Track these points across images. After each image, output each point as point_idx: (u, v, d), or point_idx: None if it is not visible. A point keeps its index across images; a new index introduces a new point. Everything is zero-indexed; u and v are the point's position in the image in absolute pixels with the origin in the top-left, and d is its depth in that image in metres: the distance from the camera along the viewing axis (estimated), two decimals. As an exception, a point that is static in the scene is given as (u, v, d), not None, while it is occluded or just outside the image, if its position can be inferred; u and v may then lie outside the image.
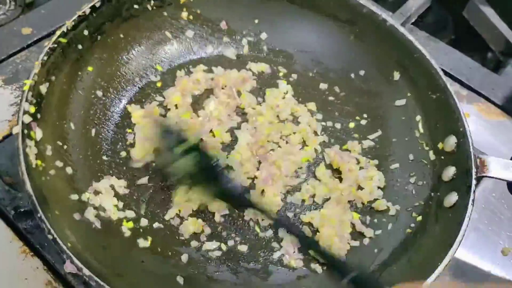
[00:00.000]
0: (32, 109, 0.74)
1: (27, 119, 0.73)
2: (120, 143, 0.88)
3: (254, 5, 1.03)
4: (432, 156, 0.86)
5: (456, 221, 0.73)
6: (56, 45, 0.81)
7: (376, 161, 0.92)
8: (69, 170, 0.79)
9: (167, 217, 0.82)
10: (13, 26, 1.00)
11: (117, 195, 0.82)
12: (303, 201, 0.87)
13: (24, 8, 1.05)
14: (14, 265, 0.73)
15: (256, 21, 1.04)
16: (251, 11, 1.03)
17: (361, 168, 0.90)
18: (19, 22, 1.02)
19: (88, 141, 0.85)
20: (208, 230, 0.81)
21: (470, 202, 0.74)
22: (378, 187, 0.88)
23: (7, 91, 0.91)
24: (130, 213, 0.80)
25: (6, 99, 0.91)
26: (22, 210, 0.78)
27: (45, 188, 0.70)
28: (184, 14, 1.00)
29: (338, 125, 0.97)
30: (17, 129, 0.71)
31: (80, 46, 0.86)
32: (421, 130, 0.91)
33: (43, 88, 0.78)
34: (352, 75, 1.01)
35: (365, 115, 0.98)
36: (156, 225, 0.80)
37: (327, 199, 0.87)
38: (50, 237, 0.64)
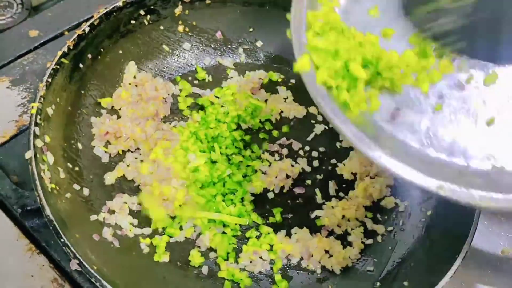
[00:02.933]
0: (47, 138, 0.75)
1: (39, 143, 0.72)
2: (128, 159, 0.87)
3: (248, 14, 1.03)
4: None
5: (467, 213, 0.76)
6: (58, 66, 0.80)
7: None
8: (84, 191, 0.78)
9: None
10: (21, 29, 1.01)
11: (131, 212, 0.81)
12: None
13: (31, 11, 1.06)
14: (21, 263, 0.73)
15: (251, 29, 1.05)
16: (245, 20, 1.04)
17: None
18: (26, 25, 1.02)
19: (97, 159, 0.85)
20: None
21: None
22: (387, 186, 0.90)
23: (14, 92, 0.91)
24: (147, 230, 0.80)
25: (13, 100, 0.90)
26: (28, 208, 0.77)
27: (62, 212, 0.70)
28: (180, 27, 1.00)
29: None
30: (29, 154, 0.70)
31: (81, 65, 0.86)
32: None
33: (50, 110, 0.78)
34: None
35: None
36: (173, 239, 0.81)
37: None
38: (75, 261, 0.63)
